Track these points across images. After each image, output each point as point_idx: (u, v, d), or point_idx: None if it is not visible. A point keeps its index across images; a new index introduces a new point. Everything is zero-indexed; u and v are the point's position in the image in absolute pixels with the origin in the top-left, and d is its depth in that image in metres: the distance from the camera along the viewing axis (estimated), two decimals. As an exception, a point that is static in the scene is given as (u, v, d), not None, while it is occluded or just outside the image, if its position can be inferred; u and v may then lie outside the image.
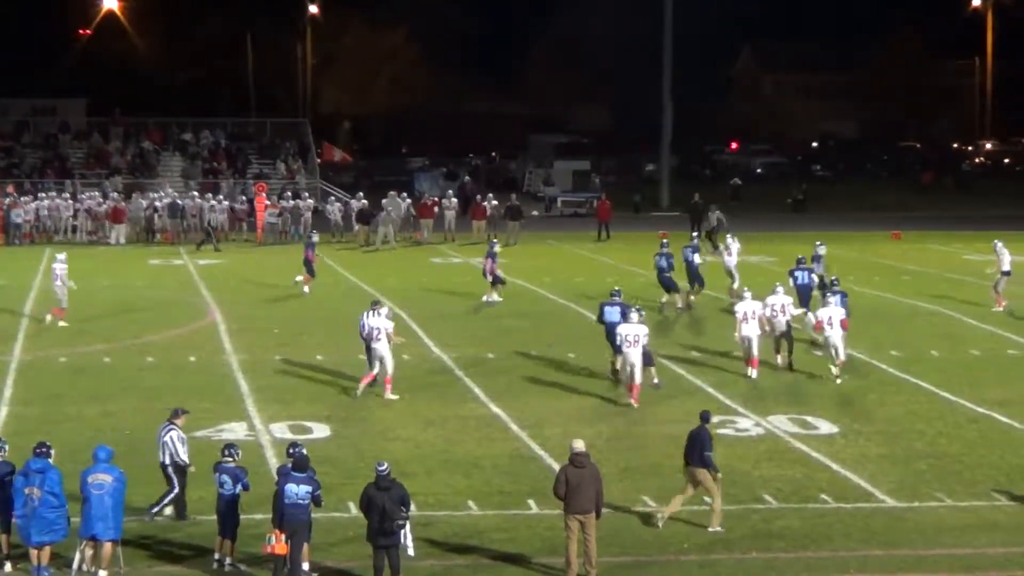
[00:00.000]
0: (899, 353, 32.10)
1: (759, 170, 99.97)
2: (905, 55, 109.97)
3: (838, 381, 29.37)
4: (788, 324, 30.46)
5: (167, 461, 19.78)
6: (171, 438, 19.75)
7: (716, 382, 29.26)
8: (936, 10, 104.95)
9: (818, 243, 39.20)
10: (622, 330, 27.38)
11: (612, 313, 29.24)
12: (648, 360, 27.84)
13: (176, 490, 19.77)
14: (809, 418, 26.22)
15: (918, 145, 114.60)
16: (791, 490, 21.64)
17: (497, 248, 41.24)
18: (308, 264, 41.88)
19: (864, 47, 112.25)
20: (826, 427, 25.62)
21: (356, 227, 57.14)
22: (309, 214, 59.19)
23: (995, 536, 19.59)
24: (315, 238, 44.09)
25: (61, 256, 37.26)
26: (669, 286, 38.77)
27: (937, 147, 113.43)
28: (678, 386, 29.09)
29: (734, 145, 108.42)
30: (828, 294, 31.22)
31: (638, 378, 27.14)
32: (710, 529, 19.70)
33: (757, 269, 41.32)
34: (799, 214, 73.22)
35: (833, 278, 33.54)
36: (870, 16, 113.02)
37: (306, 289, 41.35)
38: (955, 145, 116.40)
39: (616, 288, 31.29)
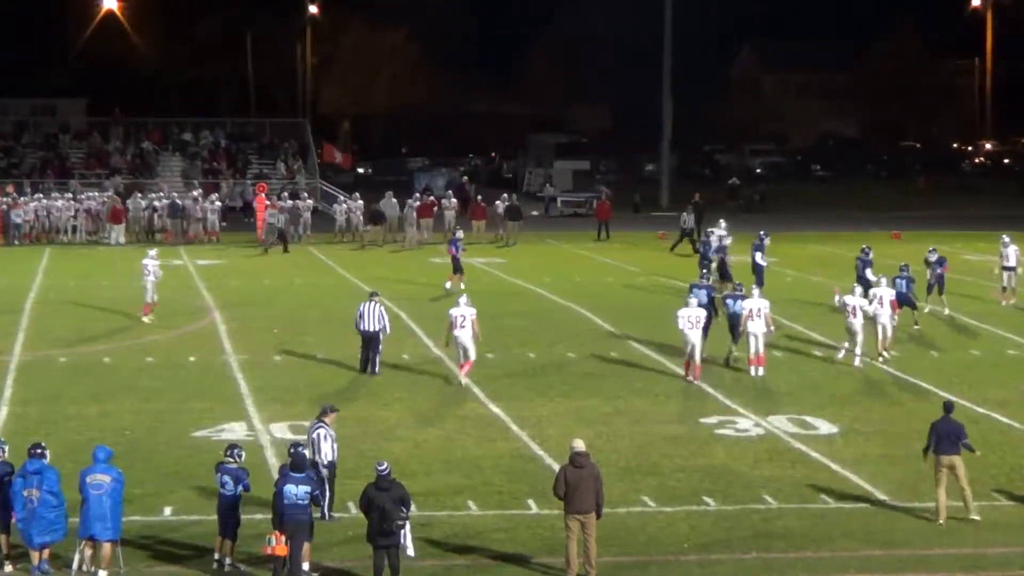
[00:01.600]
0: (899, 353, 32.08)
1: (758, 170, 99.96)
2: (905, 55, 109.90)
3: (884, 356, 30.81)
4: (861, 326, 30.68)
5: (314, 458, 19.76)
6: (318, 435, 19.79)
7: (716, 382, 29.26)
8: (936, 10, 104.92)
9: (931, 249, 39.22)
10: (683, 313, 29.07)
11: (700, 295, 31.12)
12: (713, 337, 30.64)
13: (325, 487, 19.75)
14: (809, 418, 26.23)
15: (918, 145, 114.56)
16: (791, 490, 21.65)
17: (728, 242, 41.64)
18: (456, 261, 42.43)
19: (864, 47, 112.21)
20: (826, 427, 25.62)
21: (368, 227, 57.13)
22: (308, 214, 59.22)
23: (995, 536, 19.60)
24: (459, 234, 44.52)
25: (152, 252, 37.68)
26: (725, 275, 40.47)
27: (937, 147, 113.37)
28: (677, 385, 29.10)
29: None
30: (897, 279, 33.81)
31: (698, 357, 29.03)
32: (971, 517, 19.87)
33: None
34: (754, 214, 72.54)
35: (903, 264, 35.78)
36: (870, 16, 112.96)
37: (455, 286, 41.21)
38: (955, 145, 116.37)
39: (704, 271, 33.69)
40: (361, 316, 29.43)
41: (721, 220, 47.00)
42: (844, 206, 77.63)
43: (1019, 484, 21.75)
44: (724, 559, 18.66)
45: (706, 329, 29.91)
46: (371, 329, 29.36)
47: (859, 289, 31.65)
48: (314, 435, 19.86)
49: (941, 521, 19.99)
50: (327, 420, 20.00)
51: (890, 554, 18.92)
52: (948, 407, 20.53)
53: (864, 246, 39.58)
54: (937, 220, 67.82)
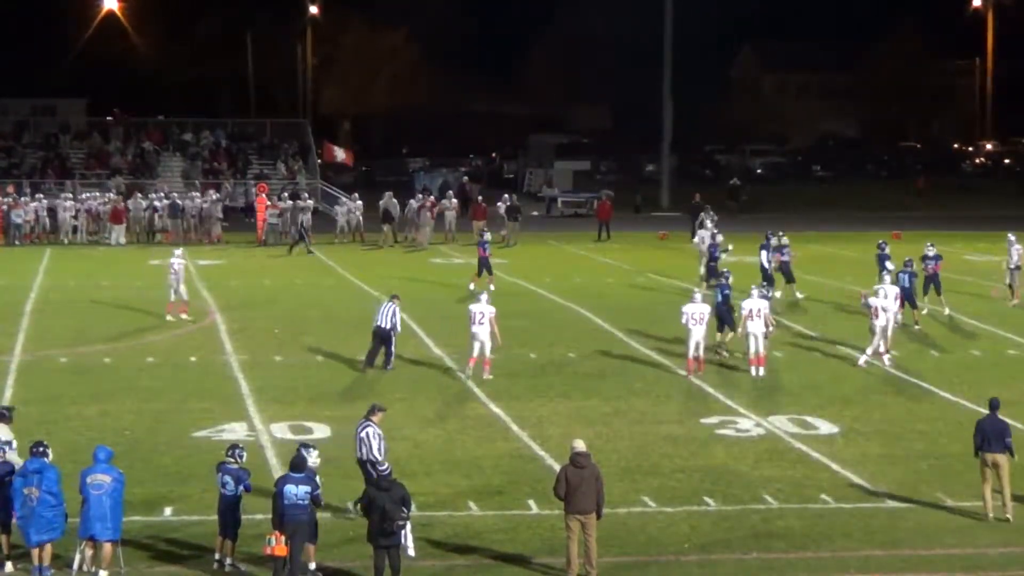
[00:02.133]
0: (899, 353, 32.07)
1: (759, 170, 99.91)
2: (905, 55, 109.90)
3: (887, 357, 30.73)
4: (882, 328, 30.82)
5: (364, 457, 19.81)
6: (367, 434, 19.80)
7: (716, 382, 29.27)
8: (936, 10, 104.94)
9: (929, 244, 39.21)
10: (687, 309, 29.62)
11: (717, 295, 32.35)
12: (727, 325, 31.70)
13: None
14: (809, 418, 26.23)
15: (918, 146, 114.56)
16: (791, 490, 21.65)
17: (774, 242, 41.49)
18: (485, 262, 42.30)
19: (864, 47, 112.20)
20: (826, 427, 25.63)
21: (385, 228, 57.19)
22: (309, 215, 59.15)
23: (995, 536, 19.60)
24: (487, 236, 44.39)
25: (178, 252, 37.80)
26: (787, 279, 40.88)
27: (937, 147, 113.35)
28: (677, 386, 29.11)
29: None
30: (900, 273, 34.82)
31: (702, 353, 29.78)
32: (1005, 516, 19.94)
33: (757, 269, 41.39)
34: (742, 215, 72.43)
35: (907, 259, 36.14)
36: (870, 16, 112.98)
37: (480, 287, 39.70)
38: (955, 146, 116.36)
39: (726, 270, 33.88)
40: (380, 318, 30.16)
41: (707, 220, 47.51)
42: (844, 206, 77.61)
43: (1019, 484, 21.73)
44: (724, 559, 18.67)
45: (727, 324, 31.39)
46: (382, 326, 29.94)
47: (892, 291, 31.94)
48: (362, 434, 19.86)
49: (990, 516, 20.07)
50: (375, 419, 19.99)
51: (890, 554, 18.92)
52: (994, 404, 20.51)
53: (880, 241, 39.66)
54: (937, 220, 67.76)
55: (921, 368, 30.91)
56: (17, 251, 54.00)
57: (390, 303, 30.29)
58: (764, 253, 40.74)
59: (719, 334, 31.83)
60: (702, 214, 55.00)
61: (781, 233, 42.34)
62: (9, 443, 18.85)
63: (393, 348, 30.20)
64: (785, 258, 40.67)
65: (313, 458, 18.10)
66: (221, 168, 71.15)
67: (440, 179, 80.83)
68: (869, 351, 30.79)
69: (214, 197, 60.08)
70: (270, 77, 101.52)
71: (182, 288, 36.66)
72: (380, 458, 19.64)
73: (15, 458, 18.51)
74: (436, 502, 20.82)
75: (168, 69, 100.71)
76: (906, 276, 35.14)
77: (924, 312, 37.20)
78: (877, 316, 30.64)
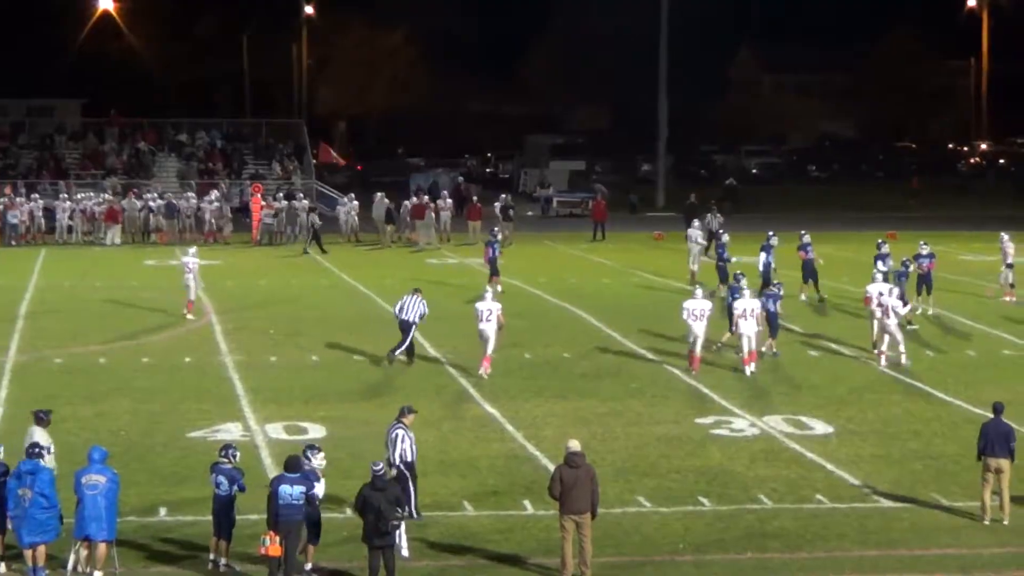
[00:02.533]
0: (894, 353, 32.06)
1: (754, 171, 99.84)
2: (905, 55, 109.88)
3: (884, 357, 30.83)
4: (897, 326, 30.96)
5: (395, 460, 19.84)
6: (397, 436, 19.82)
7: (712, 382, 29.26)
8: (932, 11, 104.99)
9: (922, 243, 39.22)
10: (688, 304, 29.98)
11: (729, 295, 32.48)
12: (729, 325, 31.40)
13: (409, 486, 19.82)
14: (804, 418, 26.24)
15: (913, 146, 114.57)
16: (786, 490, 21.66)
17: (774, 241, 41.31)
18: (492, 263, 42.20)
19: (863, 48, 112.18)
20: (821, 427, 25.64)
21: (387, 229, 57.18)
22: (304, 215, 59.08)
23: (991, 536, 19.61)
24: (498, 236, 44.33)
25: (192, 250, 38.06)
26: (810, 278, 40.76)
27: (932, 148, 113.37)
28: (673, 386, 29.11)
29: None
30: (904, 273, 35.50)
31: (698, 349, 30.00)
32: (1005, 522, 19.93)
33: (756, 270, 41.40)
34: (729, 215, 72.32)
35: (904, 259, 36.52)
36: (868, 17, 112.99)
37: (498, 288, 38.96)
38: (950, 146, 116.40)
39: (739, 272, 33.45)
40: (402, 308, 30.48)
41: (696, 220, 47.76)
42: (840, 207, 77.60)
43: (1017, 484, 21.72)
44: (719, 559, 18.67)
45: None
46: (405, 319, 30.41)
47: (896, 290, 31.95)
48: (392, 435, 19.87)
49: (986, 520, 20.06)
50: (406, 421, 20.00)
51: (885, 554, 18.93)
52: (998, 408, 20.41)
53: (879, 241, 39.67)
54: (933, 220, 67.76)
55: (916, 368, 30.90)
56: (12, 251, 53.97)
57: (413, 296, 30.59)
58: (763, 255, 40.66)
59: (727, 334, 31.73)
60: (708, 215, 54.90)
61: (804, 231, 42.23)
62: (48, 447, 18.81)
63: (406, 342, 30.46)
64: (810, 256, 40.58)
65: (319, 460, 18.12)
66: (216, 168, 71.08)
67: (432, 179, 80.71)
68: (902, 348, 30.79)
69: (216, 196, 59.95)
70: (266, 78, 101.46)
71: (192, 286, 36.82)
72: (412, 459, 19.75)
73: (52, 463, 18.48)
74: (431, 503, 20.81)
75: (165, 70, 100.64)
76: (896, 275, 35.08)
77: (919, 312, 37.22)
78: (889, 316, 30.64)
